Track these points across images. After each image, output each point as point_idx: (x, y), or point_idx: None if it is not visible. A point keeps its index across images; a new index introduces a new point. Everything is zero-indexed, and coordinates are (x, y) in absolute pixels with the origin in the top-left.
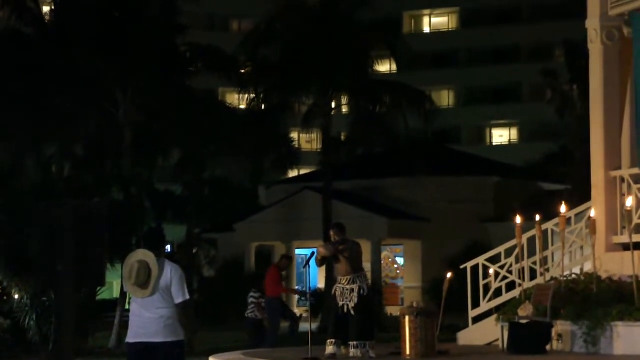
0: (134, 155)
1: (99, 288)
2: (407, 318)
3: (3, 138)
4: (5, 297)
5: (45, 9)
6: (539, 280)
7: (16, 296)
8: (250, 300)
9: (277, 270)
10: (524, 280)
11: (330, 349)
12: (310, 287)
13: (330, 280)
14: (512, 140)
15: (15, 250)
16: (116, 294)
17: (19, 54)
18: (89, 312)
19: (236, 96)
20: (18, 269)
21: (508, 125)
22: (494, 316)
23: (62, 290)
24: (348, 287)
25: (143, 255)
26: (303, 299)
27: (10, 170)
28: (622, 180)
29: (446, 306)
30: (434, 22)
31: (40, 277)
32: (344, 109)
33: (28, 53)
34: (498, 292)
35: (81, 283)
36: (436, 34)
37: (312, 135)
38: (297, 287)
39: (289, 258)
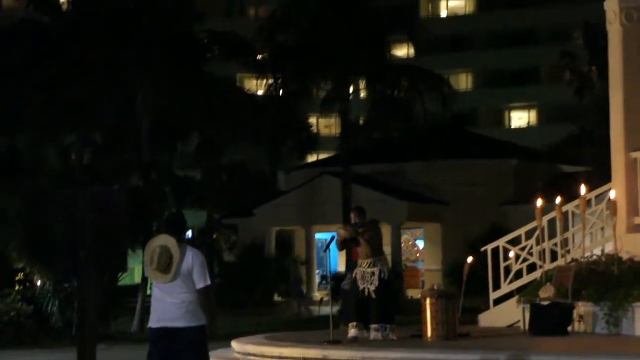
0: (152, 142)
1: (120, 274)
2: (427, 300)
3: (23, 127)
4: (28, 284)
5: None
6: (560, 261)
7: (39, 282)
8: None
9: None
10: (544, 262)
11: (351, 331)
12: (330, 271)
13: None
14: (530, 123)
15: (37, 237)
16: (137, 279)
17: (37, 43)
18: (111, 298)
19: (254, 82)
20: (40, 255)
21: (527, 108)
22: (515, 298)
23: (84, 276)
24: (369, 270)
25: (164, 240)
26: (324, 282)
27: (30, 159)
28: None
29: (466, 288)
30: (451, 5)
31: (62, 264)
32: (362, 94)
33: (46, 42)
34: (519, 274)
35: (103, 269)
36: (453, 18)
37: (331, 120)
38: (317, 271)
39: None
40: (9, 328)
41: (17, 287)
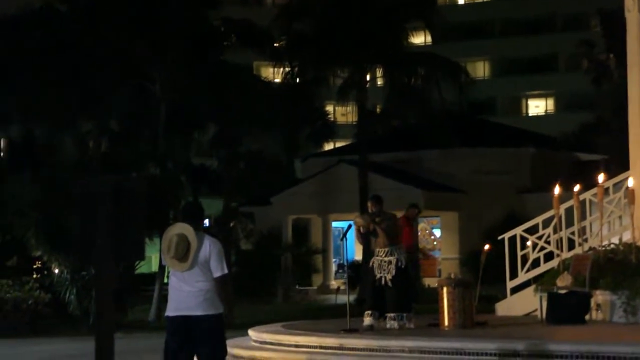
0: (169, 130)
1: (138, 262)
2: (445, 289)
3: (40, 115)
4: (45, 272)
5: None
6: (578, 250)
7: (56, 271)
8: None
9: (405, 220)
10: (562, 250)
11: (367, 320)
12: (347, 259)
13: (368, 252)
14: (548, 111)
15: (55, 225)
16: (155, 267)
17: (54, 32)
18: (128, 286)
19: (271, 70)
20: (58, 244)
21: (544, 96)
22: (532, 287)
23: (101, 265)
24: (385, 259)
25: (181, 228)
26: (340, 271)
27: (48, 147)
28: None
29: (483, 277)
30: None
31: (79, 252)
32: (379, 82)
33: (63, 30)
34: (536, 263)
35: (120, 257)
36: (471, 5)
37: (347, 108)
38: (334, 260)
39: (416, 206)
40: (26, 316)
41: (34, 275)
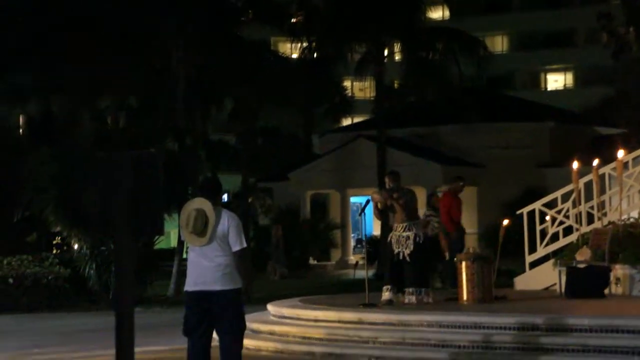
0: (187, 106)
1: (157, 237)
2: (463, 264)
3: (58, 91)
4: (65, 247)
5: None
6: (597, 224)
7: (76, 246)
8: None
9: (450, 197)
10: (581, 224)
11: (386, 295)
12: (366, 235)
13: (386, 227)
14: (567, 85)
15: (74, 200)
16: (174, 243)
17: (73, 7)
18: (147, 261)
19: (288, 46)
20: (77, 219)
21: (563, 70)
22: (551, 261)
23: (120, 240)
24: (404, 234)
25: (200, 203)
26: (359, 246)
27: (66, 123)
28: None
29: (502, 252)
30: None
31: (98, 227)
32: (397, 57)
33: (81, 5)
34: (555, 237)
35: (139, 232)
36: None
37: (365, 83)
38: (352, 235)
39: (462, 179)
40: (46, 291)
41: (54, 251)
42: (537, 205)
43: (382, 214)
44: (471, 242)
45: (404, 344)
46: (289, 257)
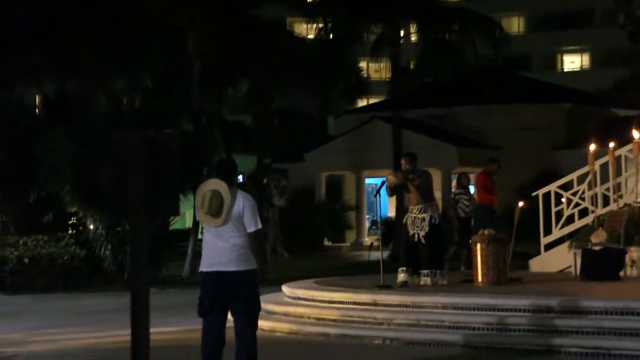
0: (203, 86)
1: (172, 218)
2: (478, 246)
3: (73, 72)
4: (81, 228)
5: None
6: (612, 206)
7: (91, 227)
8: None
9: (484, 175)
10: (596, 207)
11: (401, 276)
12: (381, 216)
13: (401, 209)
14: (583, 66)
15: (89, 181)
16: (189, 223)
17: None
18: (162, 242)
19: (304, 26)
20: (92, 199)
21: (579, 51)
22: (567, 243)
23: (136, 220)
24: (419, 216)
25: (215, 184)
26: (374, 227)
27: (82, 103)
28: None
29: (517, 234)
30: None
31: (114, 208)
32: (413, 38)
33: None
34: (570, 219)
35: (155, 213)
36: None
37: (381, 64)
38: (367, 216)
39: (497, 161)
40: (62, 272)
41: (70, 231)
42: (552, 187)
43: (394, 190)
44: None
45: (419, 325)
46: (304, 239)
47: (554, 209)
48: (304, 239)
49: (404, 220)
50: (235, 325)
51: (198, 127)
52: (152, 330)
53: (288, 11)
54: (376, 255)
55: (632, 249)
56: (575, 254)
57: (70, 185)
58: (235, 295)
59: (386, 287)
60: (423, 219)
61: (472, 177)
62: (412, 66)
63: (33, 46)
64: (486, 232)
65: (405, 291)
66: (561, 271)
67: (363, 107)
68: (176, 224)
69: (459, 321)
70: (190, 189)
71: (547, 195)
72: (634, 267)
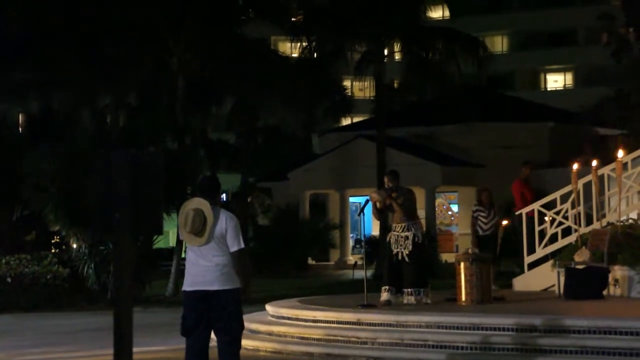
0: (187, 104)
1: (155, 237)
2: (462, 265)
3: (58, 89)
4: (64, 246)
5: None
6: (596, 225)
7: (74, 245)
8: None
9: (520, 183)
10: (580, 225)
11: (384, 295)
12: (365, 235)
13: (385, 227)
14: (567, 85)
15: (73, 200)
16: (172, 242)
17: (72, 5)
18: (146, 261)
19: (288, 44)
20: (76, 218)
21: (563, 70)
22: (550, 262)
23: (119, 239)
24: (403, 234)
25: (198, 203)
26: (358, 246)
27: (66, 121)
28: None
29: (501, 252)
30: None
31: (97, 226)
32: (397, 56)
33: (80, 3)
34: (554, 238)
35: (138, 231)
36: None
37: (365, 82)
38: (351, 235)
39: (528, 162)
40: (45, 291)
41: (53, 250)
42: (535, 206)
43: (381, 213)
44: (469, 244)
45: (403, 344)
46: (288, 258)
47: (537, 228)
48: (288, 257)
49: (387, 239)
50: (218, 345)
51: (182, 145)
52: (135, 349)
53: (272, 30)
54: (360, 273)
55: (615, 267)
56: (558, 273)
57: (54, 204)
58: (219, 314)
59: (370, 306)
60: (406, 237)
61: (455, 195)
62: (396, 85)
63: (17, 62)
64: (469, 250)
65: (389, 310)
66: (545, 290)
67: (347, 126)
68: (160, 242)
69: (443, 340)
70: (173, 208)
71: (530, 214)
72: (617, 286)
